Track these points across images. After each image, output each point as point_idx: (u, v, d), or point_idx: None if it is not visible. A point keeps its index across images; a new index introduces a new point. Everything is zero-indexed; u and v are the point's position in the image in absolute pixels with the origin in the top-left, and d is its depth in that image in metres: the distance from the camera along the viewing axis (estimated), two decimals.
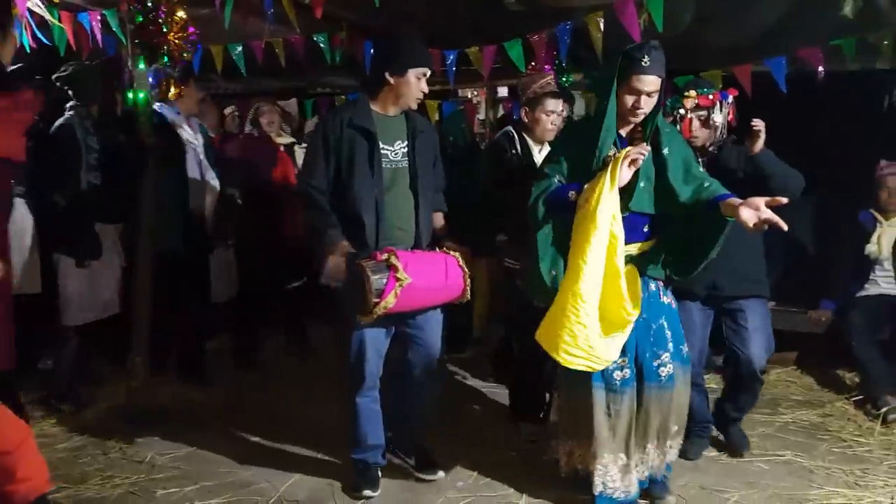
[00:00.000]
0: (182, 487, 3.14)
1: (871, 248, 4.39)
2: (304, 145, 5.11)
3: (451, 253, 3.00)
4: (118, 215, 4.05)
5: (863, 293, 4.43)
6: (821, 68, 4.17)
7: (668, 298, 2.92)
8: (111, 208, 3.97)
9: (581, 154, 2.73)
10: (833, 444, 3.68)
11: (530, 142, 3.67)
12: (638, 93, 2.64)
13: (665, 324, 2.85)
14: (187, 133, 4.23)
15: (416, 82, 2.91)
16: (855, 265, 4.51)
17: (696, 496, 3.12)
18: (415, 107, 3.03)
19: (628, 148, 2.66)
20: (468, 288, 3.00)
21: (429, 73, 2.93)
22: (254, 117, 4.86)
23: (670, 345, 2.84)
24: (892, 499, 3.09)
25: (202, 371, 4.44)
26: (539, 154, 3.65)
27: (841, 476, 3.31)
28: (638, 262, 2.81)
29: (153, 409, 3.81)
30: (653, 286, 2.86)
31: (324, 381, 4.32)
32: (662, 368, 2.81)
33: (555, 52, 4.89)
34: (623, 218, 2.63)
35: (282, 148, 5.03)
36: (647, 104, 2.68)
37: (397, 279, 2.73)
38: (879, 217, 4.39)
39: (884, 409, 3.91)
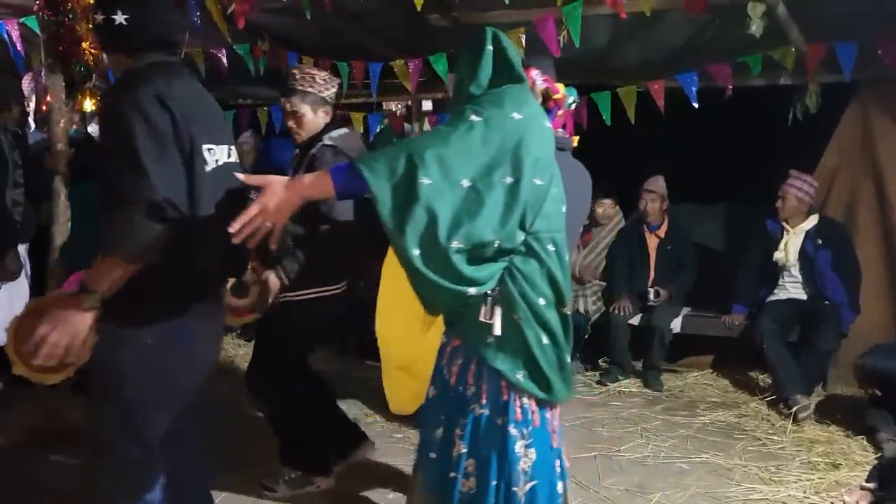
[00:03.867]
0: None
1: (778, 255, 4.60)
2: None
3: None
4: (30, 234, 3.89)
5: (772, 298, 4.65)
6: (729, 83, 4.37)
7: (476, 390, 1.79)
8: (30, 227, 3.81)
9: None
10: (749, 442, 3.83)
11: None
12: None
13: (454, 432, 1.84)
14: None
15: None
16: (764, 271, 4.73)
17: (620, 497, 3.19)
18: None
19: None
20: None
21: None
22: None
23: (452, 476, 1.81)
24: (805, 493, 3.24)
25: None
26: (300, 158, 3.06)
27: (757, 473, 3.44)
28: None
29: (71, 431, 3.63)
30: (447, 350, 1.89)
31: None
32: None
33: None
34: None
35: None
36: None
37: None
38: (786, 225, 4.60)
39: (795, 408, 4.09)
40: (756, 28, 3.67)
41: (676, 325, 4.90)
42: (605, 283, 5.16)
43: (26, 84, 5.06)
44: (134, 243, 1.80)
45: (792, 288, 4.63)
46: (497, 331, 1.74)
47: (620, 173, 5.38)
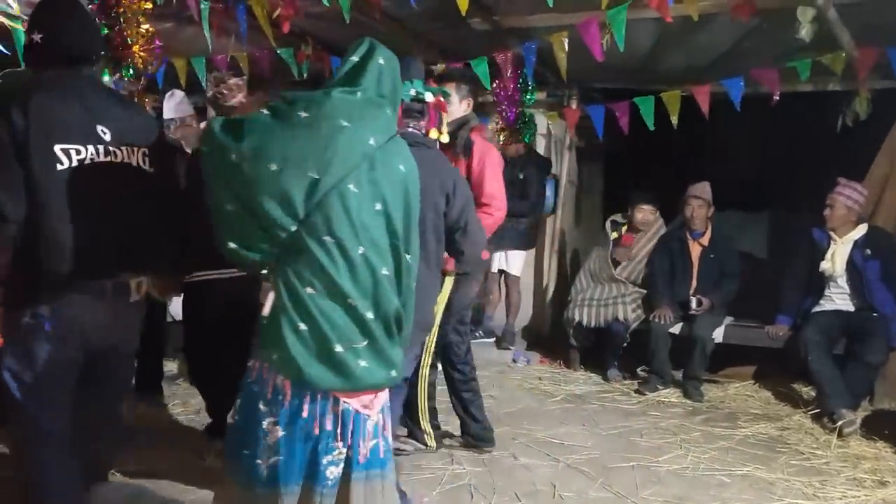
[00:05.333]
0: None
1: (825, 266, 4.49)
2: None
3: None
4: None
5: (818, 309, 4.54)
6: (776, 89, 4.29)
7: (251, 366, 1.96)
8: None
9: None
10: (792, 456, 3.74)
11: None
12: None
13: None
14: None
15: None
16: (809, 281, 4.62)
17: None
18: None
19: None
20: None
21: None
22: None
23: None
24: None
25: (160, 388, 4.34)
26: None
27: (800, 488, 3.35)
28: None
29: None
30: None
31: None
32: None
33: (518, 70, 4.97)
34: None
35: None
36: None
37: None
38: (833, 234, 4.49)
39: (840, 423, 3.98)
40: (805, 32, 3.60)
41: (718, 334, 4.82)
42: (644, 291, 5.10)
43: None
44: None
45: (839, 299, 4.51)
46: (264, 312, 1.88)
47: (662, 179, 5.32)
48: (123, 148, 2.29)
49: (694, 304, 4.81)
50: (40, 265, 2.15)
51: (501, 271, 5.53)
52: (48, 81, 2.24)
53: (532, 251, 5.74)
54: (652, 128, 4.39)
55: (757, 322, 4.86)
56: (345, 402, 1.87)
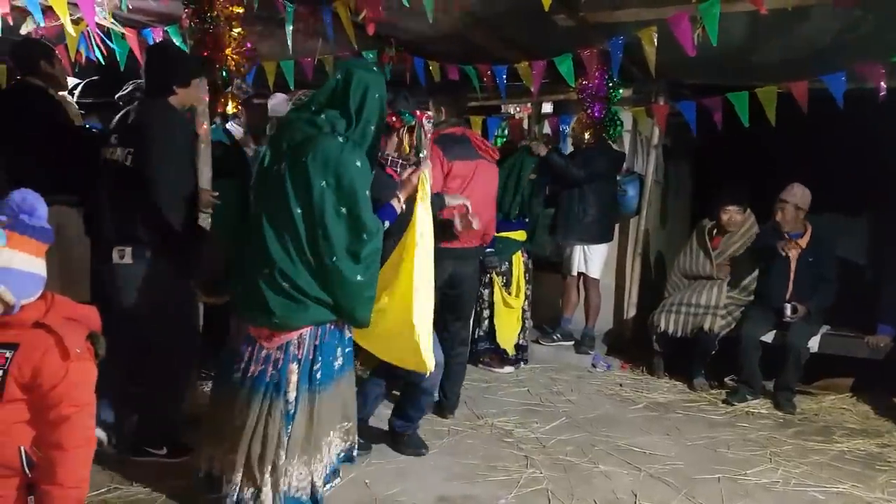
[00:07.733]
0: None
1: None
2: None
3: None
4: None
5: None
6: (882, 85, 4.03)
7: None
8: None
9: None
10: (893, 475, 3.52)
11: None
12: None
13: None
14: (252, 151, 4.43)
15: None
16: None
17: None
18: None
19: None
20: None
21: None
22: None
23: None
24: None
25: None
26: None
27: None
28: None
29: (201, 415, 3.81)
30: None
31: None
32: None
33: (604, 66, 4.86)
34: None
35: None
36: None
37: None
38: None
39: None
40: None
41: (814, 344, 4.58)
42: (734, 297, 4.88)
43: None
44: None
45: None
46: None
47: (756, 180, 5.10)
48: (119, 149, 3.09)
49: (788, 311, 4.57)
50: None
51: (580, 273, 5.41)
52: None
53: (613, 252, 5.59)
54: (747, 124, 4.20)
55: (856, 331, 4.61)
56: (249, 330, 2.56)
